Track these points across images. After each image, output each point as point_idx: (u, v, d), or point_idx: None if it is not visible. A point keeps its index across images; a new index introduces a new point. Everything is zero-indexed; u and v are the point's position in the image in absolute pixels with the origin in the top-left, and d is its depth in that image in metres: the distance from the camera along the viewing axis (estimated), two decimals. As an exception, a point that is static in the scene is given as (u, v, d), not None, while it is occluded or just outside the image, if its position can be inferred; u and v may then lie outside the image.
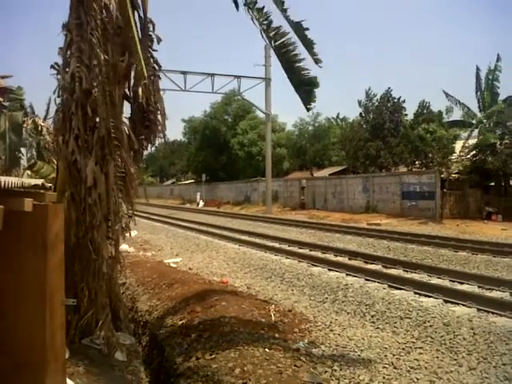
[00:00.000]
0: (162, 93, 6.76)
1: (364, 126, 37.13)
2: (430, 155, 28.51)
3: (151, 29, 6.55)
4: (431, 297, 9.01)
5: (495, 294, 9.34)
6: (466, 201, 27.23)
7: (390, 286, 9.96)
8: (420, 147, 28.63)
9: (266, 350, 5.98)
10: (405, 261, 13.05)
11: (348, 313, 8.18)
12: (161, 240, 18.72)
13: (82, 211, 5.65)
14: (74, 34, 5.85)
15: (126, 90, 6.54)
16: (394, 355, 6.08)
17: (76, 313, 5.97)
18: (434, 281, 10.50)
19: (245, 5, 6.64)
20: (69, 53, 5.94)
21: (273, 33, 6.74)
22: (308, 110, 7.44)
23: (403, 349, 6.32)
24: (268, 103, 36.37)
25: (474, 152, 27.30)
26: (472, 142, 28.13)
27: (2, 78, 15.69)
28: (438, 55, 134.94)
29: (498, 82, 29.88)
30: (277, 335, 6.64)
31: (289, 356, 5.85)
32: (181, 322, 7.59)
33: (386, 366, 5.77)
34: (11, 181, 3.58)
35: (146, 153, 7.28)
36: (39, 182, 4.63)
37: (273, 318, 7.37)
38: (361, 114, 38.39)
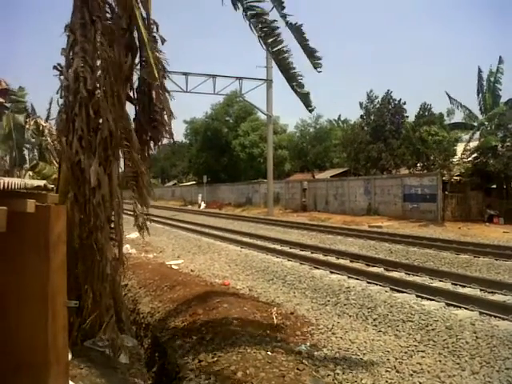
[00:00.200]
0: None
1: (365, 128, 37.12)
2: (432, 157, 28.48)
3: (155, 30, 6.55)
4: (433, 300, 8.99)
5: (497, 297, 9.31)
6: (467, 203, 27.20)
7: (391, 289, 9.94)
8: (421, 149, 28.60)
9: (269, 352, 5.97)
10: (406, 263, 13.03)
11: (350, 316, 8.16)
12: (162, 242, 18.72)
13: (85, 212, 5.64)
14: (77, 34, 5.85)
15: (129, 92, 6.54)
16: (396, 359, 6.07)
17: (78, 315, 5.96)
18: (436, 284, 10.48)
19: (243, 11, 6.67)
20: (71, 53, 5.94)
21: (270, 40, 6.80)
22: (310, 111, 7.68)
23: (405, 352, 6.31)
24: (269, 105, 36.38)
25: (475, 154, 27.28)
26: (473, 144, 28.11)
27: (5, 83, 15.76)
28: (438, 56, 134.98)
29: (500, 85, 29.89)
30: (279, 338, 6.63)
31: (291, 359, 5.83)
32: (183, 325, 7.59)
33: (389, 369, 5.76)
34: (14, 182, 3.57)
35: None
36: (42, 183, 4.62)
37: (275, 320, 7.36)
38: (361, 116, 38.40)
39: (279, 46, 6.90)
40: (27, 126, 19.15)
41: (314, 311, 8.43)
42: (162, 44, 6.54)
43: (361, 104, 37.94)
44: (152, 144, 6.84)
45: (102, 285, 5.62)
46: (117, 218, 5.89)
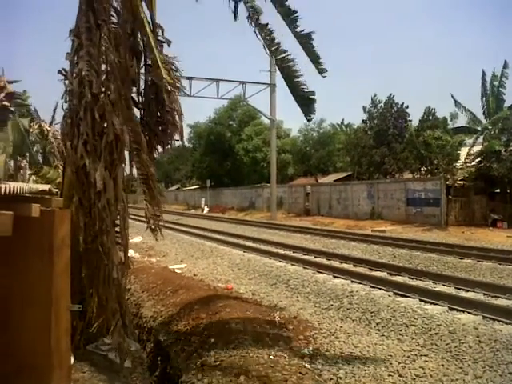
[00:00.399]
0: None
1: (368, 133, 37.09)
2: (436, 162, 28.44)
3: (160, 33, 6.61)
4: (436, 304, 8.97)
5: (501, 301, 9.28)
6: (471, 208, 27.13)
7: (395, 294, 9.92)
8: (425, 154, 28.56)
9: (271, 356, 5.98)
10: (410, 268, 12.99)
11: (353, 320, 8.16)
12: (165, 246, 18.73)
13: (90, 216, 5.67)
14: (83, 38, 5.90)
15: (134, 95, 6.59)
16: (399, 363, 6.06)
17: (81, 318, 5.98)
18: (440, 288, 10.46)
19: (248, 18, 6.75)
20: (76, 57, 5.98)
21: (274, 47, 6.86)
22: (308, 120, 7.81)
23: (408, 356, 6.30)
24: (273, 109, 36.43)
25: (479, 159, 27.22)
26: (477, 148, 28.06)
27: (10, 83, 15.80)
28: (439, 56, 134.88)
29: (505, 89, 29.84)
30: (282, 342, 6.63)
31: (294, 363, 5.84)
32: (185, 328, 7.60)
33: (392, 373, 5.75)
34: (19, 186, 3.60)
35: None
36: (46, 187, 4.66)
37: (278, 324, 7.35)
38: (363, 120, 38.35)
39: (283, 55, 6.98)
40: (31, 130, 19.22)
41: (317, 315, 8.43)
42: (169, 46, 6.60)
43: (364, 108, 37.94)
44: (161, 146, 6.90)
45: (109, 289, 5.64)
46: (122, 222, 5.92)
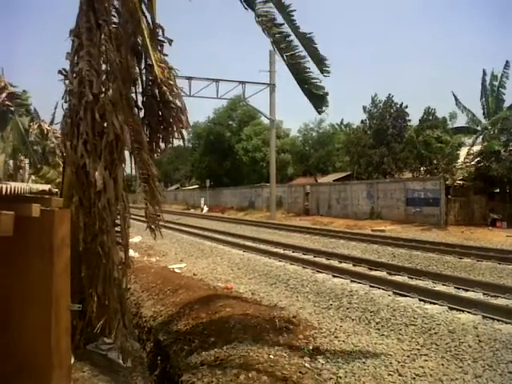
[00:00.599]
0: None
1: (368, 132, 37.08)
2: (435, 162, 28.46)
3: (160, 33, 6.61)
4: (436, 304, 8.98)
5: (500, 301, 9.29)
6: (470, 207, 27.14)
7: (394, 293, 9.93)
8: (425, 154, 28.57)
9: (271, 356, 5.99)
10: (409, 267, 13.00)
11: (353, 319, 8.16)
12: (165, 245, 18.74)
13: (90, 216, 5.68)
14: (83, 38, 5.90)
15: (134, 95, 6.60)
16: (399, 362, 6.07)
17: (81, 318, 5.98)
18: (439, 288, 10.47)
19: (256, 16, 6.78)
20: (76, 57, 5.99)
21: (284, 45, 6.92)
22: (319, 113, 7.83)
23: (408, 356, 6.30)
24: (272, 109, 36.44)
25: (478, 159, 27.24)
26: (476, 148, 28.08)
27: (12, 86, 15.83)
28: (438, 56, 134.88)
29: (505, 89, 29.85)
30: (281, 341, 6.63)
31: (294, 362, 5.85)
32: (185, 328, 7.61)
33: (391, 373, 5.76)
34: (19, 186, 3.61)
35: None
36: (46, 187, 4.66)
37: (277, 324, 7.36)
38: (362, 120, 38.34)
39: (292, 52, 7.04)
40: (31, 130, 19.22)
41: (316, 315, 8.44)
42: (170, 45, 6.60)
43: (364, 108, 37.92)
44: (163, 145, 6.91)
45: (110, 289, 5.65)
46: (123, 221, 5.92)
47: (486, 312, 8.24)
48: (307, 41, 6.89)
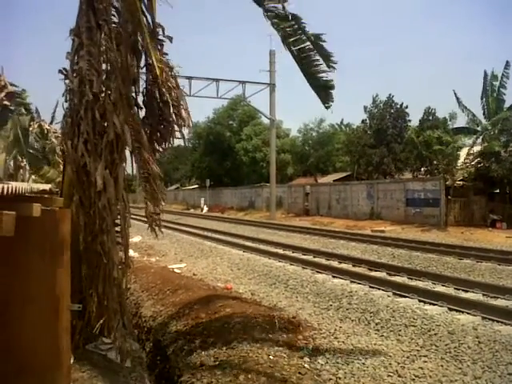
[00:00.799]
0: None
1: (368, 132, 37.09)
2: (435, 162, 28.46)
3: (160, 32, 6.61)
4: (436, 305, 8.98)
5: (500, 302, 9.29)
6: (470, 208, 27.14)
7: (394, 294, 9.93)
8: (425, 154, 28.57)
9: (271, 356, 5.99)
10: (409, 268, 13.01)
11: (352, 320, 8.16)
12: (165, 245, 18.74)
13: (90, 216, 5.68)
14: (83, 37, 5.91)
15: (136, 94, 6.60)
16: (398, 363, 6.06)
17: (81, 318, 5.98)
18: (439, 288, 10.47)
19: (265, 11, 6.81)
20: (77, 57, 5.99)
21: (292, 39, 6.95)
22: (327, 108, 7.80)
23: (408, 357, 6.30)
24: (272, 109, 36.45)
25: (478, 159, 27.24)
26: (477, 148, 28.07)
27: (11, 85, 15.81)
28: (438, 58, 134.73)
29: (505, 89, 29.83)
30: (281, 342, 6.63)
31: (293, 363, 5.84)
32: (185, 328, 7.60)
33: (391, 374, 5.75)
34: (20, 186, 3.61)
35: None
36: (47, 187, 4.66)
37: (277, 324, 7.36)
38: (363, 120, 38.34)
39: (301, 46, 7.10)
40: (31, 129, 19.19)
41: (316, 315, 8.43)
42: (171, 42, 6.60)
43: (365, 108, 37.90)
44: (163, 144, 6.91)
45: (109, 289, 5.64)
46: (123, 221, 5.92)
47: (486, 313, 8.24)
48: (314, 36, 6.94)
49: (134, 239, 18.45)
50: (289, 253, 16.58)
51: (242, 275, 12.49)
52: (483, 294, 9.86)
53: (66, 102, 6.08)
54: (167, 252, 17.31)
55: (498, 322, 7.88)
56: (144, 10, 6.33)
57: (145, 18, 6.26)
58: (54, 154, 19.37)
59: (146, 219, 6.62)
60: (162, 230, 6.98)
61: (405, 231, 24.91)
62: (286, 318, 7.85)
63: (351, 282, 11.29)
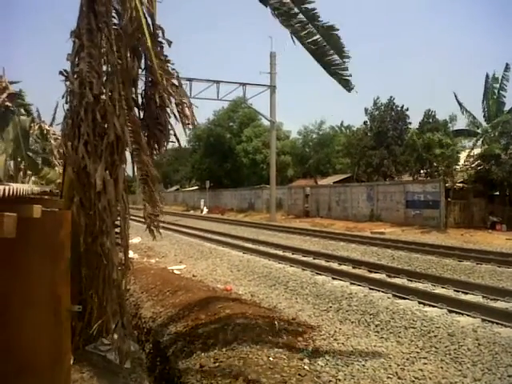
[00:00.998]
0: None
1: (368, 134, 37.12)
2: (435, 164, 28.47)
3: (160, 34, 6.62)
4: (436, 307, 8.98)
5: (500, 304, 9.30)
6: (470, 210, 27.15)
7: (394, 296, 9.94)
8: (425, 156, 28.58)
9: (270, 358, 5.98)
10: (409, 270, 13.01)
11: (352, 322, 8.16)
12: (164, 247, 18.74)
13: (90, 217, 5.68)
14: (84, 39, 5.92)
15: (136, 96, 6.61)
16: (398, 365, 6.06)
17: (81, 319, 5.98)
18: (439, 290, 10.48)
19: (274, 9, 6.85)
20: (77, 59, 6.00)
21: (304, 32, 7.00)
22: (349, 91, 7.82)
23: (407, 359, 6.30)
24: (273, 111, 36.48)
25: (478, 162, 27.26)
26: (477, 151, 28.10)
27: (11, 83, 15.80)
28: (439, 61, 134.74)
29: (505, 92, 29.87)
30: (281, 344, 6.62)
31: (293, 365, 5.84)
32: (184, 330, 7.60)
33: (391, 376, 5.75)
34: (21, 188, 3.62)
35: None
36: (48, 188, 4.67)
37: (277, 326, 7.35)
38: (365, 122, 38.38)
39: (314, 38, 7.20)
40: (31, 131, 19.19)
41: (316, 317, 8.43)
42: (169, 46, 6.61)
43: (366, 110, 37.93)
44: (158, 147, 6.91)
45: (109, 290, 5.65)
46: (123, 222, 5.93)
47: (486, 315, 8.24)
48: (327, 31, 7.05)
49: (134, 240, 18.43)
50: (289, 254, 16.58)
51: (242, 277, 12.49)
52: (483, 296, 9.87)
53: (66, 103, 6.09)
54: (167, 253, 17.31)
55: (497, 324, 7.89)
56: (144, 11, 6.35)
57: (145, 20, 6.28)
58: (52, 155, 19.38)
59: (144, 220, 6.62)
60: (162, 231, 6.99)
61: (404, 233, 24.91)
62: (285, 320, 7.86)
63: (351, 283, 11.30)
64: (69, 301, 4.48)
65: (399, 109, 36.14)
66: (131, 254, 14.31)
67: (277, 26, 7.18)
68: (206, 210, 50.84)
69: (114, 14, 6.29)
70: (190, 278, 12.13)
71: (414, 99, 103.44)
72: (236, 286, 11.08)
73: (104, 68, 6.06)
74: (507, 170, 25.04)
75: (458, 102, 30.81)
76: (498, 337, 7.10)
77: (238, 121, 54.26)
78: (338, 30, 7.04)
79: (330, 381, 5.59)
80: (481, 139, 29.17)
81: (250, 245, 19.39)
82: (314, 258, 15.51)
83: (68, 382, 4.56)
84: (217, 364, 6.01)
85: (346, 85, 7.63)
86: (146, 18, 6.28)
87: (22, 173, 18.71)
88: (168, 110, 6.55)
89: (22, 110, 18.80)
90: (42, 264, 4.12)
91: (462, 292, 10.28)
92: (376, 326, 7.86)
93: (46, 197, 4.83)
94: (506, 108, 29.82)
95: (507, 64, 29.78)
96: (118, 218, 5.94)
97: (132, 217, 6.56)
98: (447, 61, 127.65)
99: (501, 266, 13.60)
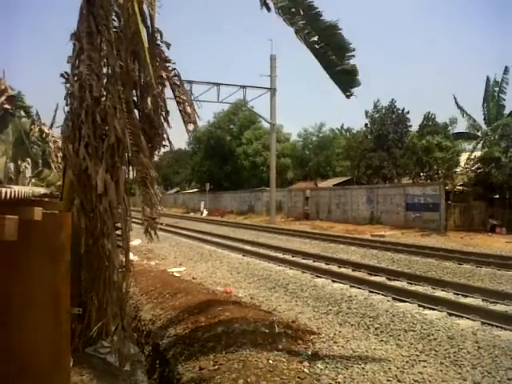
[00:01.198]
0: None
1: (369, 137, 37.14)
2: (435, 167, 28.48)
3: (159, 37, 6.63)
4: (435, 310, 8.98)
5: (500, 307, 9.29)
6: (470, 213, 27.15)
7: (394, 299, 9.94)
8: (425, 159, 28.59)
9: (270, 361, 5.98)
10: (409, 273, 13.01)
11: (352, 325, 8.16)
12: (164, 249, 18.74)
13: (91, 219, 5.69)
14: (84, 42, 5.94)
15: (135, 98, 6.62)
16: (397, 368, 6.06)
17: (80, 321, 5.99)
18: (438, 293, 10.47)
19: (277, 9, 6.84)
20: (78, 61, 6.02)
21: (306, 31, 6.97)
22: (348, 97, 7.45)
23: (407, 362, 6.30)
24: (273, 113, 36.54)
25: (478, 165, 27.26)
26: (477, 154, 28.10)
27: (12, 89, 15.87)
28: (439, 63, 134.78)
29: (505, 95, 29.88)
30: (280, 346, 6.62)
31: (292, 368, 5.83)
32: (184, 332, 7.59)
33: (390, 378, 5.75)
34: (22, 190, 3.63)
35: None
36: (48, 190, 4.68)
37: (276, 329, 7.35)
38: (366, 124, 38.40)
39: (315, 38, 7.06)
40: (31, 133, 19.22)
41: (315, 320, 8.43)
42: (168, 49, 6.63)
43: (366, 113, 37.97)
44: (152, 150, 6.91)
45: (110, 292, 5.65)
46: (124, 224, 5.94)
47: (485, 318, 8.24)
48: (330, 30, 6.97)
49: (134, 242, 18.41)
50: (288, 257, 16.58)
51: (242, 279, 12.49)
52: (483, 299, 9.87)
53: (66, 105, 6.11)
54: (167, 255, 17.31)
55: (497, 327, 7.88)
56: (145, 13, 6.37)
57: (143, 23, 6.29)
58: (52, 157, 19.41)
59: (141, 222, 6.62)
60: (162, 233, 7.00)
61: (404, 236, 24.91)
62: (285, 322, 7.85)
63: (351, 286, 11.29)
64: (69, 303, 4.48)
65: (400, 112, 36.17)
66: (131, 256, 14.33)
67: (277, 29, 7.21)
68: (205, 213, 50.83)
69: (114, 17, 6.31)
70: (190, 280, 12.12)
71: (413, 102, 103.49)
72: (236, 289, 11.07)
73: (104, 70, 6.08)
74: (507, 173, 25.05)
75: (458, 105, 30.85)
76: (498, 340, 7.10)
77: (238, 123, 54.30)
78: (340, 29, 6.95)
79: (330, 383, 5.58)
80: (481, 142, 29.15)
81: (249, 247, 19.39)
82: (314, 261, 15.50)
83: (68, 384, 4.56)
84: (216, 367, 6.00)
85: (347, 88, 7.45)
86: (143, 21, 6.30)
87: (22, 174, 18.75)
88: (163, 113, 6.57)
89: (22, 112, 18.85)
90: (43, 266, 4.12)
91: (462, 295, 10.28)
92: (376, 328, 7.86)
93: (47, 199, 4.85)
94: (506, 111, 29.81)
95: (506, 67, 29.83)
96: (119, 220, 5.95)
97: (132, 219, 6.57)
98: (447, 62, 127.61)
99: (500, 269, 13.60)
